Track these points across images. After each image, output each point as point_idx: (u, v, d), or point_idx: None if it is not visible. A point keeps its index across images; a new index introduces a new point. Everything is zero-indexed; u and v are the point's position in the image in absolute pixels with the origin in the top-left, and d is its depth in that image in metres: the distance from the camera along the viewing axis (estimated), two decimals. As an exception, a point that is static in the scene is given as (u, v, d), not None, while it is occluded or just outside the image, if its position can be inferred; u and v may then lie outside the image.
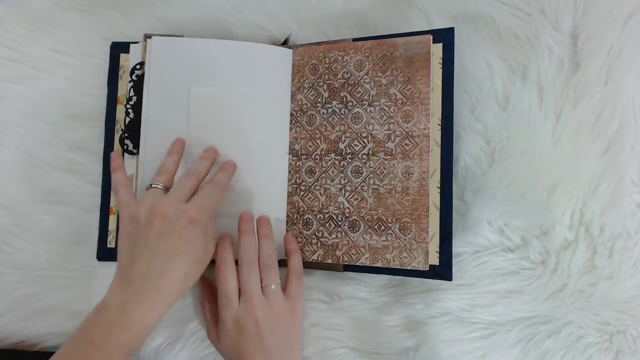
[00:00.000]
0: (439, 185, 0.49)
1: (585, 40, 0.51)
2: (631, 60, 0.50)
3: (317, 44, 0.55)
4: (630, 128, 0.49)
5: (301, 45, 0.55)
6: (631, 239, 0.49)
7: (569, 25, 0.51)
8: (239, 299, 0.47)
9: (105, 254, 0.55)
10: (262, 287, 0.47)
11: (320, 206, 0.53)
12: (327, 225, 0.52)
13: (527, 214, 0.51)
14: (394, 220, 0.50)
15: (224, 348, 0.48)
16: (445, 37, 0.51)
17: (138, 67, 0.55)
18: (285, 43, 0.56)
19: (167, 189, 0.47)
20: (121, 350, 0.41)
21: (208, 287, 0.52)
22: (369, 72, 0.52)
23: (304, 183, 0.54)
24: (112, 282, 0.44)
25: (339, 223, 0.52)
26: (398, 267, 0.49)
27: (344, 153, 0.52)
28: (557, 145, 0.51)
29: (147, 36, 0.54)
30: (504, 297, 0.51)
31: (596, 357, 0.49)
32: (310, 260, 0.52)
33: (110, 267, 0.55)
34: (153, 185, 0.47)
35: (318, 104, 0.54)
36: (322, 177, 0.53)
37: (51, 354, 0.55)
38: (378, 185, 0.51)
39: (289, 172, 0.54)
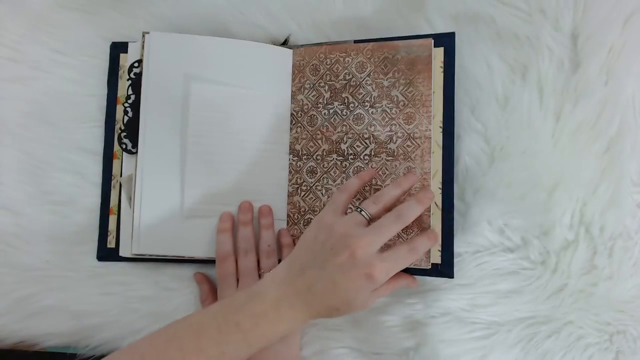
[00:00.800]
0: (440, 186, 0.50)
1: (586, 40, 0.51)
2: (631, 60, 0.50)
3: (318, 44, 0.55)
4: (630, 128, 0.49)
5: (301, 45, 0.55)
6: (631, 239, 0.49)
7: (569, 25, 0.51)
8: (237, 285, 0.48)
9: (105, 254, 0.55)
10: (260, 274, 0.49)
11: (322, 206, 0.53)
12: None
13: (527, 214, 0.51)
14: None
15: None
16: (446, 41, 0.51)
17: (136, 64, 0.55)
18: (285, 43, 0.56)
19: (369, 221, 0.44)
20: (262, 342, 0.41)
21: (207, 284, 0.53)
22: (371, 73, 0.52)
23: (305, 183, 0.54)
24: (274, 272, 0.44)
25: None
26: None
27: (345, 154, 0.53)
28: (557, 145, 0.51)
29: (146, 33, 0.54)
30: (504, 297, 0.51)
31: (596, 357, 0.49)
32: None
33: (109, 267, 0.55)
34: (362, 212, 0.44)
35: (319, 105, 0.54)
36: (323, 178, 0.53)
37: (51, 354, 0.55)
38: (380, 185, 0.51)
39: (290, 172, 0.54)
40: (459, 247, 0.51)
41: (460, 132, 0.53)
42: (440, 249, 0.49)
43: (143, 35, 0.54)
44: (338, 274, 0.41)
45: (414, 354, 0.51)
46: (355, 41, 0.54)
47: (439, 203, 0.50)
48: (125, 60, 0.56)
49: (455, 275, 0.50)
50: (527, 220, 0.51)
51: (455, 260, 0.50)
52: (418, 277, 0.51)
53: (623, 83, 0.50)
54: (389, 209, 0.44)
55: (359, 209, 0.44)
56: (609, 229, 0.50)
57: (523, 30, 0.52)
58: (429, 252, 0.49)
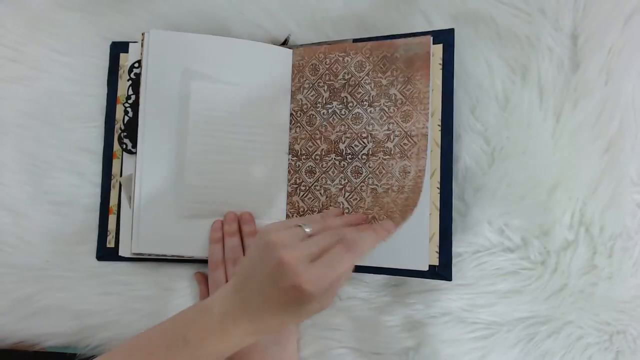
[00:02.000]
0: (439, 186, 0.49)
1: (586, 40, 0.51)
2: (631, 60, 0.50)
3: (317, 44, 0.55)
4: (630, 128, 0.49)
5: (301, 45, 0.55)
6: (631, 239, 0.49)
7: (569, 25, 0.51)
8: None
9: (105, 254, 0.55)
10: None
11: (321, 206, 0.53)
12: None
13: (527, 214, 0.51)
14: (385, 217, 0.50)
15: None
16: (445, 38, 0.51)
17: (136, 65, 0.55)
18: (285, 43, 0.56)
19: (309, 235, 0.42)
20: (210, 357, 0.40)
21: (206, 285, 0.53)
22: (370, 72, 0.52)
23: (304, 183, 0.53)
24: (223, 287, 0.42)
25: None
26: (398, 267, 0.50)
27: (344, 153, 0.52)
28: (557, 145, 0.51)
29: (146, 33, 0.54)
30: (504, 297, 0.51)
31: (596, 357, 0.49)
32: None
33: (109, 267, 0.55)
34: (304, 227, 0.42)
35: (318, 105, 0.54)
36: (322, 178, 0.53)
37: (51, 354, 0.55)
38: (376, 185, 0.51)
39: (289, 172, 0.54)
40: (459, 247, 0.51)
41: (460, 132, 0.53)
42: (437, 250, 0.49)
43: (142, 35, 0.54)
44: (269, 285, 0.38)
45: (414, 354, 0.51)
46: (354, 40, 0.53)
47: (437, 204, 0.49)
48: (125, 60, 0.56)
49: (454, 275, 0.50)
50: (527, 220, 0.51)
51: (455, 260, 0.50)
52: (417, 279, 0.51)
53: (623, 83, 0.50)
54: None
55: (300, 225, 0.42)
56: (609, 229, 0.50)
57: (523, 30, 0.52)
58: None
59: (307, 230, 0.41)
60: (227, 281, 0.50)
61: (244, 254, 0.51)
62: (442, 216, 0.49)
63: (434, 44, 0.51)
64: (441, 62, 0.51)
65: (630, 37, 0.50)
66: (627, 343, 0.49)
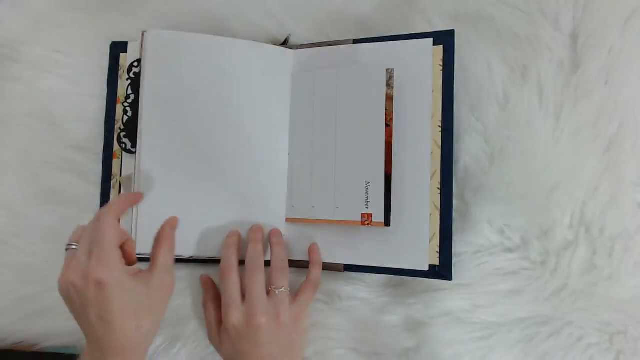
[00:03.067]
0: (439, 186, 0.49)
1: (586, 40, 0.51)
2: (631, 60, 0.50)
3: (317, 44, 0.55)
4: (630, 128, 0.49)
5: (301, 45, 0.55)
6: (631, 239, 0.49)
7: (569, 25, 0.51)
8: (243, 303, 0.47)
9: (105, 253, 0.55)
10: (269, 290, 0.47)
11: (320, 206, 0.53)
12: (327, 225, 0.52)
13: (527, 214, 0.51)
14: None
15: (225, 351, 0.48)
16: (445, 39, 0.51)
17: (135, 64, 0.55)
18: (285, 43, 0.56)
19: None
20: None
21: (212, 289, 0.52)
22: None
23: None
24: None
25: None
26: (398, 267, 0.50)
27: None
28: (557, 145, 0.51)
29: (145, 32, 0.54)
30: (504, 297, 0.51)
31: (597, 357, 0.49)
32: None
33: (109, 267, 0.55)
34: (72, 247, 0.43)
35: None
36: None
37: (50, 354, 0.55)
38: None
39: (289, 172, 0.54)
40: (459, 247, 0.51)
41: (460, 132, 0.53)
42: (438, 250, 0.49)
43: (142, 34, 0.54)
44: (90, 309, 0.40)
45: (414, 355, 0.51)
46: (355, 41, 0.53)
47: (437, 204, 0.49)
48: (125, 59, 0.56)
49: (455, 275, 0.49)
50: (527, 220, 0.51)
51: (455, 260, 0.50)
52: (416, 279, 0.52)
53: (623, 83, 0.50)
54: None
55: (68, 246, 0.43)
56: (609, 229, 0.50)
57: (523, 30, 0.52)
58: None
59: (74, 246, 0.43)
60: (241, 286, 0.48)
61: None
62: (442, 217, 0.49)
63: (434, 45, 0.51)
64: (441, 63, 0.51)
65: (630, 37, 0.50)
66: (628, 343, 0.49)
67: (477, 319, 0.51)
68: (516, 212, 0.51)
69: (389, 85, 0.51)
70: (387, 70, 0.51)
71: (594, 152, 0.50)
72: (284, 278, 0.48)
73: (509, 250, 0.51)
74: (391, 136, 0.51)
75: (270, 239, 0.52)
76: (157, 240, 0.47)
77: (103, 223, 0.42)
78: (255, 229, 0.52)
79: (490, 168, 0.52)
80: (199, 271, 0.55)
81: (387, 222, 0.49)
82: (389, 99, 0.51)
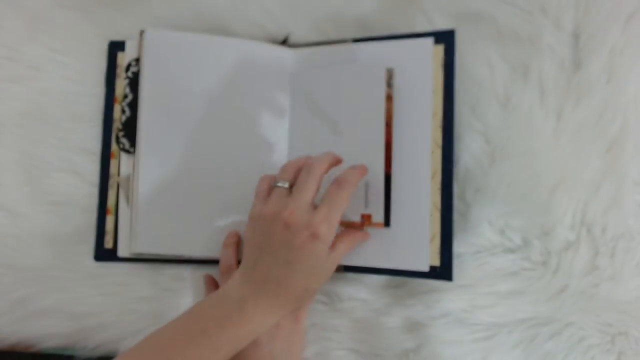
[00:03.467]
0: (439, 187, 0.49)
1: (587, 39, 0.50)
2: (633, 59, 0.49)
3: (317, 43, 0.54)
4: (632, 127, 0.49)
5: (300, 44, 0.55)
6: (633, 239, 0.49)
7: (570, 24, 0.51)
8: None
9: (103, 254, 0.55)
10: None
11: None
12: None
13: (528, 214, 0.51)
14: None
15: None
16: (446, 39, 0.51)
17: (133, 63, 0.55)
18: (284, 42, 0.56)
19: (291, 186, 0.44)
20: (231, 345, 0.41)
21: (215, 288, 0.52)
22: None
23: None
24: (234, 276, 0.44)
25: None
26: (398, 268, 0.49)
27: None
28: (559, 145, 0.50)
29: (143, 32, 0.54)
30: (505, 298, 0.51)
31: (598, 358, 0.49)
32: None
33: (108, 268, 0.55)
34: (279, 185, 0.44)
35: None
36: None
37: (49, 355, 0.55)
38: None
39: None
40: (459, 247, 0.51)
41: (460, 132, 0.52)
42: (438, 251, 0.49)
43: (140, 34, 0.54)
44: (285, 251, 0.40)
45: (414, 356, 0.51)
46: (354, 40, 0.53)
47: (438, 204, 0.49)
48: (123, 59, 0.56)
49: (455, 276, 0.49)
50: (528, 221, 0.51)
51: (456, 261, 0.50)
52: (417, 280, 0.51)
53: (625, 82, 0.50)
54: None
55: (275, 184, 0.44)
56: (611, 230, 0.49)
57: (524, 29, 0.52)
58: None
59: (284, 185, 0.43)
60: None
61: None
62: (443, 217, 0.49)
63: (435, 44, 0.51)
64: (442, 63, 0.50)
65: (631, 36, 0.50)
66: (630, 344, 0.49)
67: (478, 319, 0.51)
68: (517, 213, 0.51)
69: (389, 85, 0.51)
70: (387, 69, 0.50)
71: (595, 151, 0.50)
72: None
73: (510, 250, 0.51)
74: (391, 136, 0.51)
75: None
76: (348, 231, 0.47)
77: (346, 194, 0.43)
78: (231, 234, 0.52)
79: (491, 168, 0.52)
80: (200, 271, 0.55)
81: (387, 223, 0.49)
82: (389, 98, 0.51)
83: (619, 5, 0.50)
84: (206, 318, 0.41)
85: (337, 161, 0.47)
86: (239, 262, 0.50)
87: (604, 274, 0.49)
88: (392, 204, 0.50)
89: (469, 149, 0.52)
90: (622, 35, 0.50)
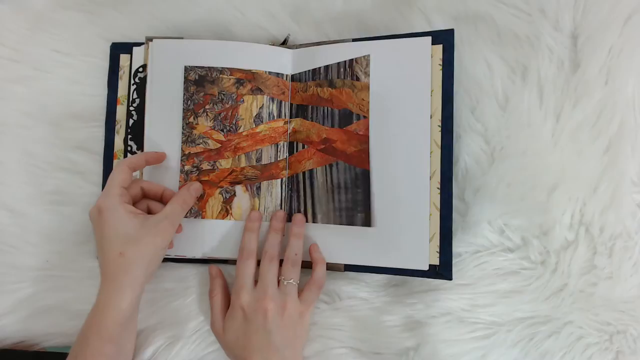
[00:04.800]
0: (439, 186, 0.49)
1: (586, 40, 0.51)
2: (631, 60, 0.50)
3: (317, 43, 0.55)
4: (630, 128, 0.49)
5: (301, 45, 0.55)
6: (631, 239, 0.49)
7: (569, 25, 0.51)
8: (254, 288, 0.49)
9: (106, 254, 0.55)
10: (279, 280, 0.49)
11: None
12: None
13: (527, 214, 0.51)
14: None
15: (228, 338, 0.48)
16: (445, 38, 0.50)
17: (141, 69, 0.55)
18: (284, 43, 0.56)
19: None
20: (92, 330, 0.44)
21: (221, 279, 0.52)
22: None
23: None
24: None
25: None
26: (398, 267, 0.50)
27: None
28: (557, 145, 0.51)
29: (149, 39, 0.54)
30: (504, 297, 0.51)
31: (596, 357, 0.49)
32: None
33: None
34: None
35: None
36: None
37: (51, 354, 0.55)
38: None
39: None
40: (459, 247, 0.51)
41: (460, 132, 0.53)
42: (438, 250, 0.49)
43: (146, 42, 0.54)
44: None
45: (414, 354, 0.51)
46: (354, 39, 0.53)
47: (437, 204, 0.49)
48: (126, 60, 0.56)
49: (455, 275, 0.50)
50: (527, 220, 0.51)
51: (455, 260, 0.50)
52: (417, 279, 0.52)
53: (623, 83, 0.50)
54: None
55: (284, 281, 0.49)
56: (609, 229, 0.50)
57: (523, 30, 0.52)
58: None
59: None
60: (254, 272, 0.49)
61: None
62: (442, 217, 0.49)
63: (433, 44, 0.51)
64: (441, 62, 0.50)
65: (630, 37, 0.50)
66: (627, 343, 0.49)
67: (477, 318, 0.51)
68: (516, 212, 0.51)
69: (366, 73, 0.51)
70: (364, 57, 0.51)
71: (594, 152, 0.50)
72: (295, 271, 0.49)
73: (509, 250, 0.51)
74: (367, 129, 0.51)
75: (291, 227, 0.52)
76: (174, 195, 0.50)
77: (114, 168, 0.48)
78: (279, 217, 0.52)
79: (490, 168, 0.52)
80: (200, 272, 0.55)
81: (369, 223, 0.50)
82: (366, 88, 0.51)
83: (617, 7, 0.50)
84: (85, 322, 0.45)
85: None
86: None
87: (602, 273, 0.50)
88: (392, 204, 0.50)
89: (469, 149, 0.52)
90: (620, 36, 0.50)
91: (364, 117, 0.51)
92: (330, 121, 0.52)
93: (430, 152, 0.50)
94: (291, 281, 0.49)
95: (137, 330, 0.50)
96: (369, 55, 0.51)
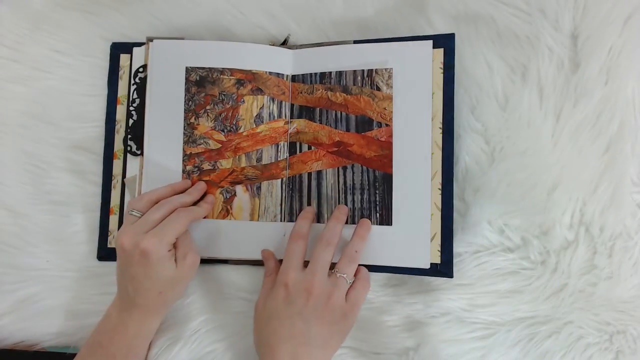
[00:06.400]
0: (440, 187, 0.50)
1: (585, 40, 0.51)
2: (631, 60, 0.50)
3: (318, 44, 0.55)
4: (630, 128, 0.49)
5: (301, 45, 0.55)
6: (631, 239, 0.49)
7: (569, 25, 0.51)
8: (303, 270, 0.46)
9: (106, 254, 0.55)
10: (332, 272, 0.46)
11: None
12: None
13: (527, 214, 0.51)
14: None
15: (263, 316, 0.47)
16: (445, 42, 0.51)
17: (141, 69, 0.55)
18: (284, 43, 0.56)
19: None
20: (122, 351, 0.48)
21: (274, 261, 0.51)
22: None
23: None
24: (115, 299, 0.50)
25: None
26: (400, 265, 0.50)
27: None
28: (557, 145, 0.51)
29: (150, 39, 0.55)
30: (504, 297, 0.51)
31: (596, 357, 0.49)
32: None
33: (110, 267, 0.55)
34: (133, 213, 0.49)
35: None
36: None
37: (51, 354, 0.55)
38: None
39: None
40: (459, 247, 0.51)
41: (460, 132, 0.53)
42: (439, 249, 0.49)
43: (147, 42, 0.54)
44: (128, 270, 0.47)
45: (414, 354, 0.51)
46: (355, 41, 0.54)
47: (439, 204, 0.50)
48: (126, 60, 0.57)
49: (455, 275, 0.50)
50: (527, 220, 0.51)
51: (455, 260, 0.51)
52: (419, 277, 0.52)
53: (623, 83, 0.50)
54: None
55: (130, 212, 0.49)
56: (609, 229, 0.50)
57: (523, 30, 0.52)
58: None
59: (135, 213, 0.48)
60: (304, 255, 0.48)
61: None
62: (443, 217, 0.50)
63: (434, 48, 0.51)
64: (442, 66, 0.51)
65: (629, 37, 0.50)
66: (627, 343, 0.49)
67: (477, 318, 0.51)
68: (516, 212, 0.51)
69: (388, 85, 0.51)
70: (385, 69, 0.51)
71: (593, 152, 0.50)
72: (351, 268, 0.47)
73: (509, 250, 0.51)
74: (391, 136, 0.51)
75: (357, 228, 0.50)
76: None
77: (181, 219, 0.48)
78: (342, 210, 0.51)
79: (490, 168, 0.52)
80: (200, 273, 0.55)
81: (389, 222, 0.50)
82: (388, 98, 0.51)
83: (617, 7, 0.50)
84: (100, 333, 0.49)
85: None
86: (253, 261, 0.52)
87: (602, 273, 0.50)
88: (394, 204, 0.51)
89: (469, 149, 0.52)
90: (620, 36, 0.50)
91: (387, 125, 0.51)
92: (344, 125, 0.53)
93: (432, 154, 0.50)
94: (344, 275, 0.46)
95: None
96: (391, 69, 0.51)
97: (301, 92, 0.54)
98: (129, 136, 0.55)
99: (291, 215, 0.53)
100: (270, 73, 0.54)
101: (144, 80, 0.55)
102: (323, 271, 0.46)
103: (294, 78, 0.55)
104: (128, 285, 0.47)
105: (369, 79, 0.52)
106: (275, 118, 0.54)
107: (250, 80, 0.54)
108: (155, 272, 0.46)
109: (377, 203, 0.51)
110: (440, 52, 0.51)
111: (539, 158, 0.51)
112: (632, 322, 0.49)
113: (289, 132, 0.54)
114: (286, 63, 0.55)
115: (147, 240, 0.45)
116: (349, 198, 0.52)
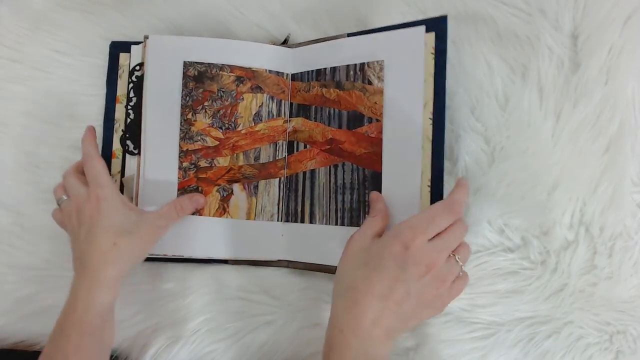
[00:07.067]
0: (429, 184, 0.47)
1: (586, 40, 0.51)
2: (631, 60, 0.50)
3: (314, 41, 0.55)
4: (630, 128, 0.49)
5: (300, 44, 0.55)
6: (631, 238, 0.49)
7: (569, 25, 0.51)
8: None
9: (105, 253, 0.55)
10: (451, 255, 0.43)
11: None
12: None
13: (527, 214, 0.51)
14: None
15: (359, 254, 0.43)
16: (437, 26, 0.48)
17: (138, 68, 0.55)
18: (285, 43, 0.56)
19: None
20: (75, 330, 0.44)
21: (382, 203, 0.48)
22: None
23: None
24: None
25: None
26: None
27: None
28: (557, 145, 0.51)
29: (147, 37, 0.54)
30: (504, 297, 0.51)
31: (596, 357, 0.49)
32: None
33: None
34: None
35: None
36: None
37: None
38: None
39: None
40: (458, 247, 0.51)
41: (460, 132, 0.53)
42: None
43: (144, 39, 0.54)
44: (84, 224, 0.46)
45: (414, 354, 0.51)
46: (349, 34, 0.52)
47: (427, 202, 0.47)
48: (125, 59, 0.56)
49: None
50: (527, 220, 0.51)
51: (455, 260, 0.50)
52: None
53: (623, 83, 0.50)
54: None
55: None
56: (609, 229, 0.50)
57: (523, 30, 0.52)
58: None
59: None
60: (442, 229, 0.42)
61: None
62: None
63: (426, 32, 0.48)
64: (433, 51, 0.48)
65: (630, 37, 0.50)
66: (628, 343, 0.49)
67: (477, 318, 0.51)
68: (516, 212, 0.51)
69: (379, 78, 0.50)
70: (377, 62, 0.50)
71: (593, 152, 0.50)
72: (467, 257, 0.45)
73: (509, 250, 0.51)
74: (380, 132, 0.49)
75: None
76: (176, 199, 0.51)
77: (91, 160, 0.48)
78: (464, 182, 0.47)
79: (490, 168, 0.52)
80: (200, 273, 0.55)
81: None
82: (379, 92, 0.50)
83: (617, 7, 0.50)
84: (61, 318, 0.45)
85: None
86: (256, 261, 0.51)
87: (602, 273, 0.50)
88: (389, 203, 0.48)
89: (469, 149, 0.52)
90: (620, 36, 0.50)
91: (377, 120, 0.50)
92: (337, 122, 0.52)
93: (422, 147, 0.47)
94: (461, 264, 0.43)
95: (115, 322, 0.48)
96: (382, 61, 0.49)
97: (299, 91, 0.54)
98: (127, 135, 0.55)
99: (288, 215, 0.53)
100: (270, 71, 0.54)
101: (140, 79, 0.55)
102: (447, 252, 0.42)
103: (294, 77, 0.55)
104: (81, 244, 0.45)
105: (361, 73, 0.51)
106: (274, 117, 0.54)
107: (250, 78, 0.54)
108: (106, 218, 0.45)
109: (367, 203, 0.50)
110: (431, 36, 0.48)
111: (539, 158, 0.51)
112: (632, 322, 0.49)
113: (287, 131, 0.54)
114: (286, 62, 0.55)
115: (95, 189, 0.46)
116: (339, 198, 0.51)
